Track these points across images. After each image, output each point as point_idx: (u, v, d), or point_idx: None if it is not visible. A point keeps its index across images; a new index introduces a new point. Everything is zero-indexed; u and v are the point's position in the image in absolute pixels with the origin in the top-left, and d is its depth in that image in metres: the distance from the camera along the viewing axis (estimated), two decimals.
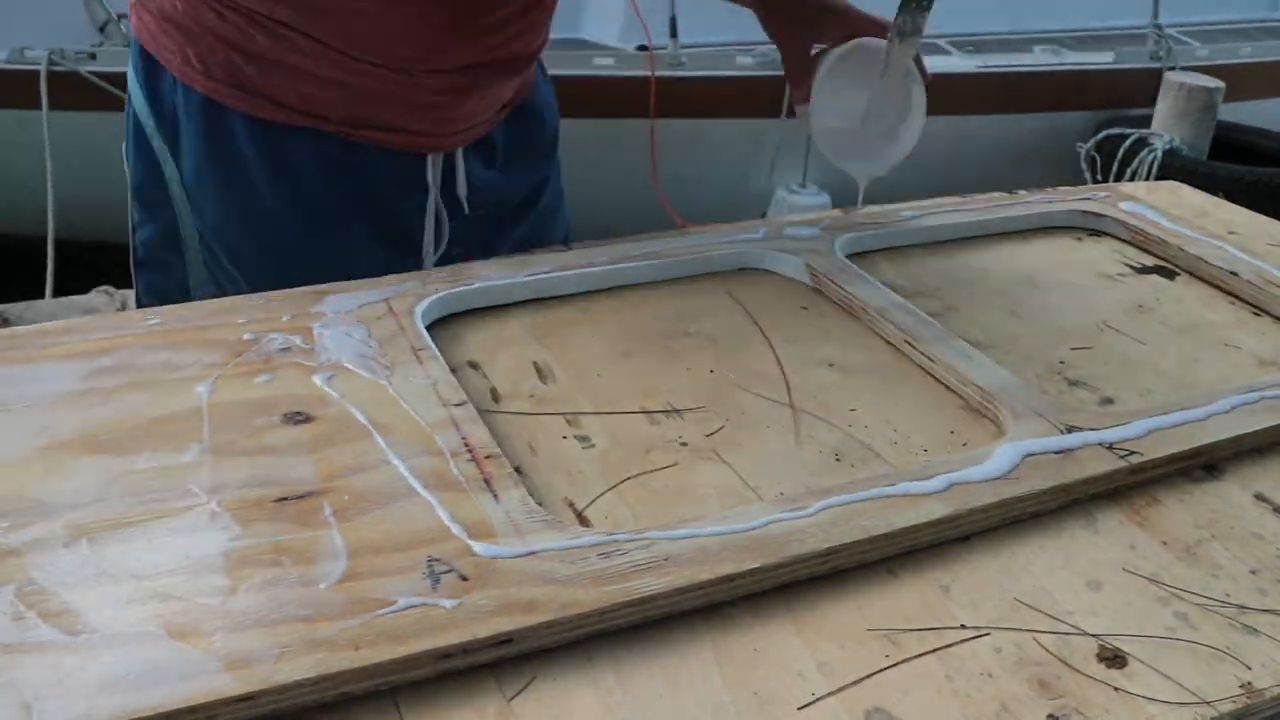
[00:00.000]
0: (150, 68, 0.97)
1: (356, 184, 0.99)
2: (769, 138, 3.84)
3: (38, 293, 2.92)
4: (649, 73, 3.60)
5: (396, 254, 1.00)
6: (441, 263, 1.03)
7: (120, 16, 3.44)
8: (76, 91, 3.11)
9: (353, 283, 0.86)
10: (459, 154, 1.03)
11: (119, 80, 3.39)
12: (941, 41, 4.27)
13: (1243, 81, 4.18)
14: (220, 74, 0.93)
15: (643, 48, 3.76)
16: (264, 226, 0.99)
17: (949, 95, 3.97)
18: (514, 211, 1.10)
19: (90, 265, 3.08)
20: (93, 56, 3.19)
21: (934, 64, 4.29)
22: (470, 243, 1.05)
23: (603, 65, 3.62)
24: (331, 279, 0.87)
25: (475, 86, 0.98)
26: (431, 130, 0.99)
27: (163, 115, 0.97)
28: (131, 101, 1.00)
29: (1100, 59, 4.22)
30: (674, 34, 3.69)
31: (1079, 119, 4.12)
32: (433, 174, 1.01)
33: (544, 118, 1.14)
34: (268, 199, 0.97)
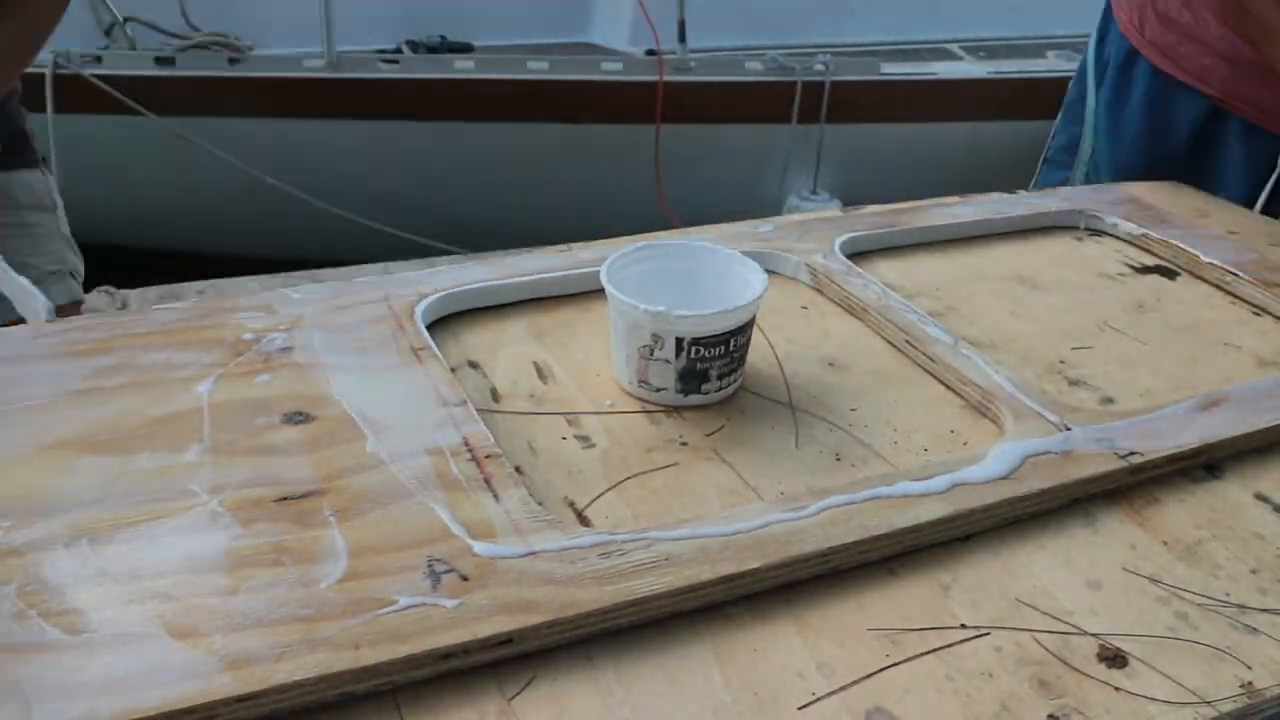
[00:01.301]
0: (1106, 22, 1.37)
1: (1220, 148, 1.26)
2: (779, 144, 3.83)
3: None
4: (657, 77, 3.60)
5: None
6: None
7: (126, 19, 3.44)
8: (82, 95, 3.11)
9: (354, 282, 0.86)
10: None
11: (125, 83, 3.39)
12: (953, 46, 4.27)
13: None
14: (1143, 31, 1.28)
15: (651, 52, 3.76)
16: (1140, 167, 1.29)
17: (961, 100, 3.96)
18: None
19: (93, 266, 3.08)
20: (98, 60, 3.20)
21: (946, 69, 4.22)
22: None
23: (611, 70, 3.62)
24: None
25: None
26: None
27: (1101, 57, 1.37)
28: (1090, 45, 1.40)
29: None
30: (682, 39, 3.68)
31: None
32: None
33: None
34: (1150, 147, 1.29)
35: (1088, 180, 1.38)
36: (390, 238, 3.53)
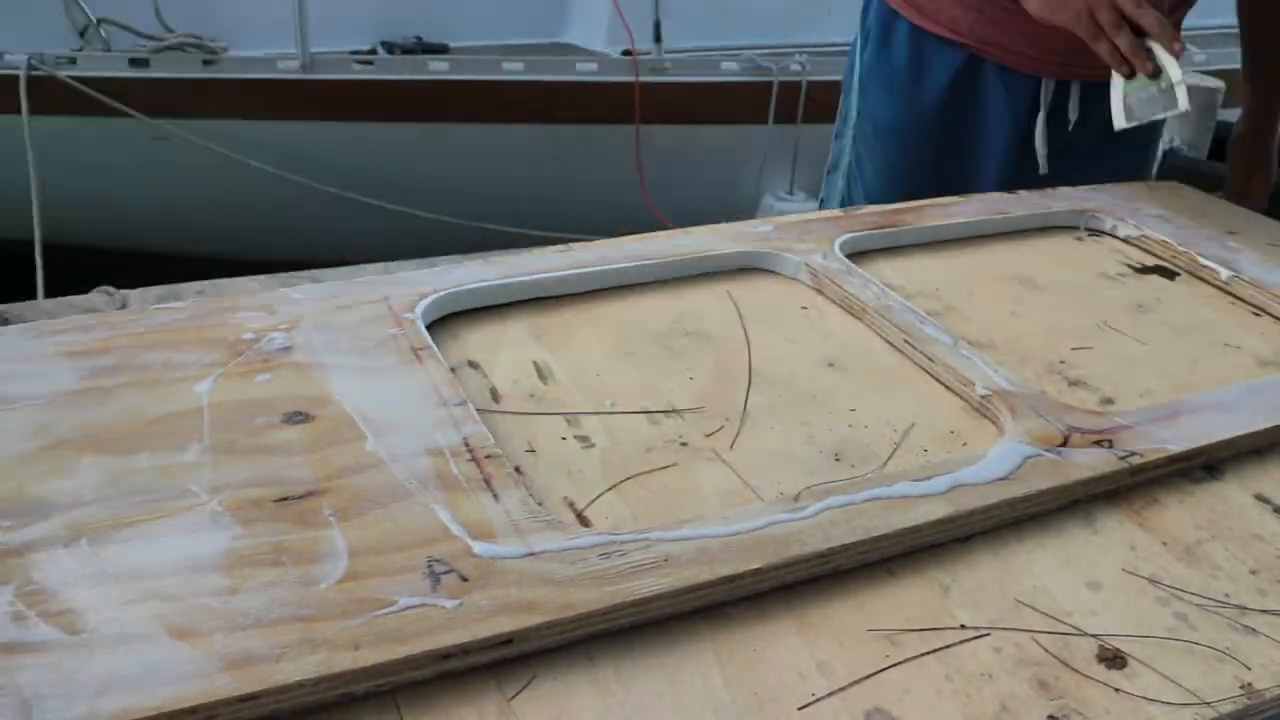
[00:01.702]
0: None
1: (979, 98, 1.29)
2: (755, 144, 3.83)
3: (31, 295, 2.92)
4: (633, 78, 3.59)
5: (1011, 159, 1.30)
6: (1053, 167, 1.30)
7: (100, 21, 3.43)
8: (57, 97, 3.10)
9: (354, 282, 0.86)
10: (1074, 87, 1.27)
11: (99, 85, 3.38)
12: None
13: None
14: None
15: (627, 53, 3.75)
16: (905, 119, 1.33)
17: None
18: (1103, 157, 1.31)
19: (87, 267, 3.07)
20: (73, 61, 3.17)
21: None
22: (1074, 157, 1.30)
23: (586, 70, 3.61)
24: (948, 178, 1.25)
25: None
26: (1040, 56, 1.23)
27: (865, 26, 1.38)
28: (858, 24, 1.40)
29: None
30: (658, 39, 3.68)
31: None
32: (1045, 96, 1.27)
33: None
34: (912, 98, 1.32)
35: (855, 154, 1.41)
36: (380, 233, 3.51)
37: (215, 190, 3.40)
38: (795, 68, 3.71)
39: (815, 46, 3.96)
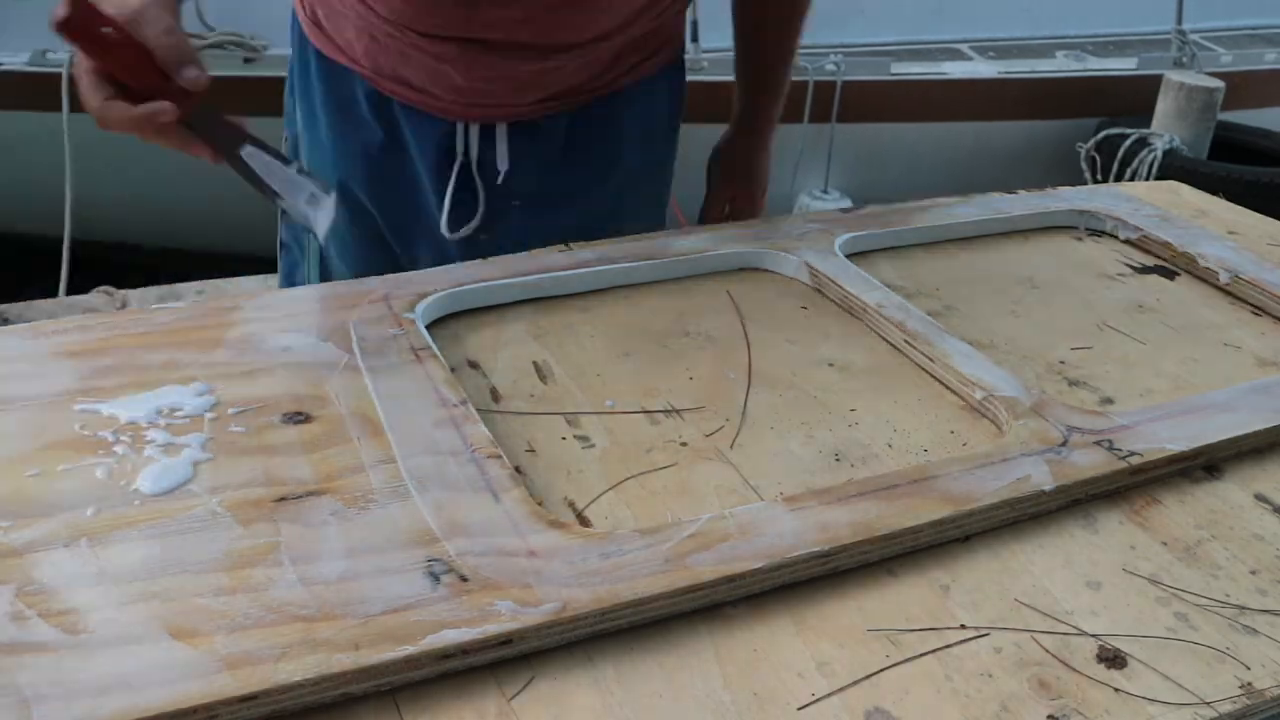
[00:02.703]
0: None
1: (400, 145, 1.03)
2: (791, 143, 3.85)
3: (48, 292, 2.94)
4: None
5: (422, 219, 1.06)
6: (468, 243, 1.04)
7: None
8: None
9: (353, 281, 0.86)
10: (500, 132, 1.02)
11: None
12: (963, 46, 4.27)
13: (1269, 87, 4.14)
14: (308, 10, 1.05)
15: None
16: (333, 161, 1.06)
17: (971, 100, 3.96)
18: (559, 211, 1.06)
19: (97, 266, 3.08)
20: None
21: (956, 69, 4.23)
22: (504, 229, 1.05)
23: None
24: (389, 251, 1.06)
25: (461, 59, 0.96)
26: (442, 96, 0.99)
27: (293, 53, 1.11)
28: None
29: (1123, 65, 4.19)
30: (695, 38, 3.69)
31: (1099, 126, 4.08)
32: (463, 143, 1.02)
33: (614, 132, 1.09)
34: (335, 134, 1.06)
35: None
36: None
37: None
38: (830, 67, 3.74)
39: (850, 46, 4.00)
